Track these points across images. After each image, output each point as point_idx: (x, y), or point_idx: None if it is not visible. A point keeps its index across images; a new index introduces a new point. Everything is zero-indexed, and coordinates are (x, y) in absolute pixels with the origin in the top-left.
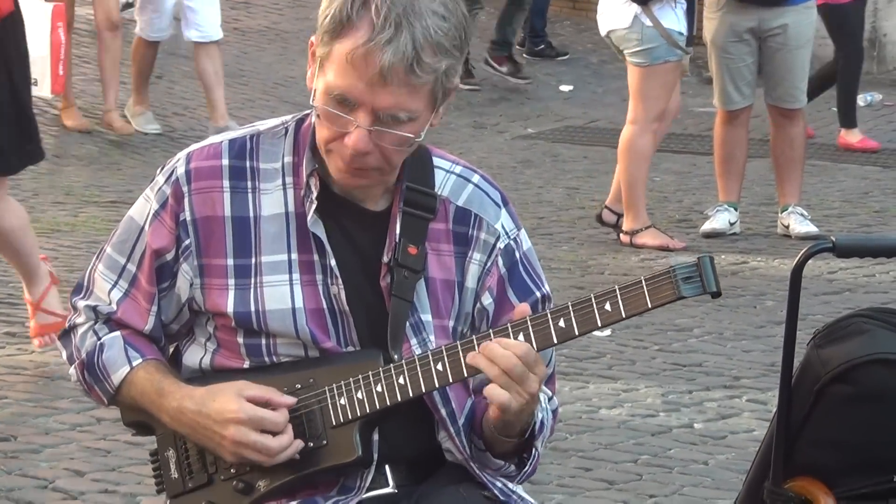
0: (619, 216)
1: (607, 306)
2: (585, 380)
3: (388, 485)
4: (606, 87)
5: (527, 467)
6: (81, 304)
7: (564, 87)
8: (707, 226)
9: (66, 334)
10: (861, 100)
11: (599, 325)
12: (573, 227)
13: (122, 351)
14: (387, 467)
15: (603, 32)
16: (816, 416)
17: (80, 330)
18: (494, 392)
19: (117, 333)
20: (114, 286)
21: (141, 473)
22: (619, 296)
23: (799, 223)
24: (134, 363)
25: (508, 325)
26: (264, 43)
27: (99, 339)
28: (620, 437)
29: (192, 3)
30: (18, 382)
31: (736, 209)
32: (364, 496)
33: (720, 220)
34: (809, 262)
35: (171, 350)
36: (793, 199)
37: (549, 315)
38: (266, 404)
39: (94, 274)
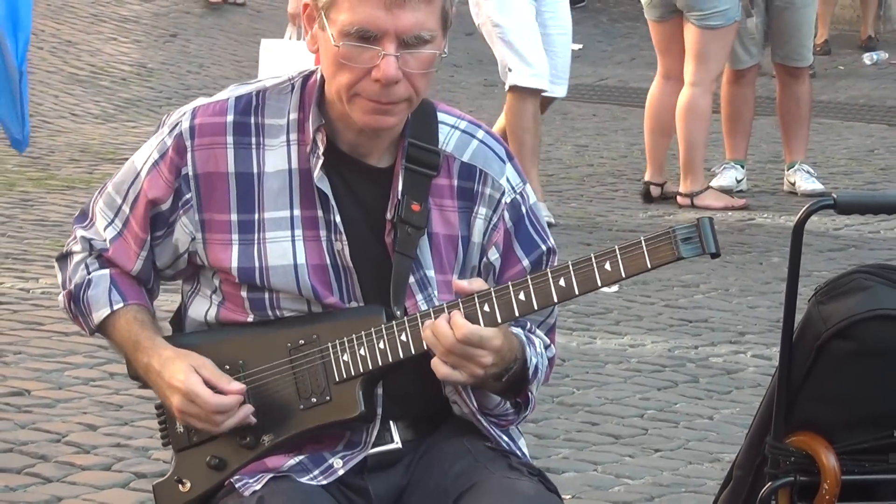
0: (661, 185)
1: (607, 266)
2: (592, 335)
3: (393, 441)
4: (616, 46)
5: (526, 411)
6: (80, 233)
7: (574, 46)
8: (714, 183)
9: (63, 258)
10: (867, 58)
11: (599, 284)
12: (582, 185)
13: (107, 292)
14: (391, 423)
15: None
16: (817, 371)
17: (75, 259)
18: (435, 366)
19: (106, 272)
20: (109, 224)
21: (152, 427)
22: (619, 256)
23: (805, 180)
24: (115, 307)
25: (509, 284)
26: None
27: (88, 273)
28: (627, 391)
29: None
30: (33, 338)
31: (743, 167)
32: (370, 451)
33: (727, 177)
34: (815, 218)
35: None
36: (799, 157)
37: (549, 274)
38: (213, 387)
39: (95, 207)
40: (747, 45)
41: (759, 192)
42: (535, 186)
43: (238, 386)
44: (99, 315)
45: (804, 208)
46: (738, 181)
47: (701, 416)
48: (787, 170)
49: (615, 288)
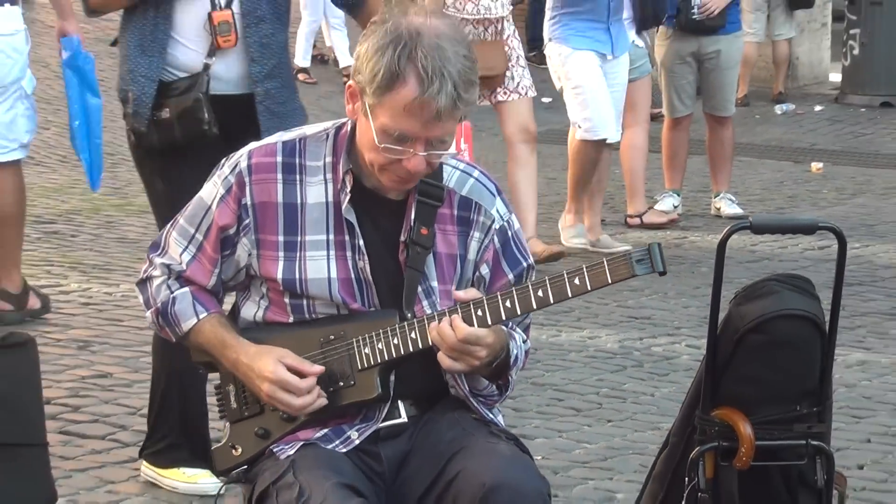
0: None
1: (576, 280)
2: (559, 329)
3: (401, 416)
4: None
5: (507, 391)
6: (158, 260)
7: (545, 99)
8: (656, 208)
9: (142, 282)
10: (778, 109)
11: (570, 295)
12: (550, 210)
13: (191, 305)
14: (400, 402)
15: None
16: (736, 359)
17: (156, 282)
18: (440, 359)
19: (187, 289)
20: (184, 250)
21: (210, 403)
22: (585, 272)
23: (728, 206)
24: (200, 316)
25: (498, 294)
26: None
27: (172, 292)
28: (586, 374)
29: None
30: (115, 332)
31: (679, 195)
32: (381, 425)
33: (666, 203)
34: (735, 237)
35: (231, 306)
36: (724, 187)
37: (530, 286)
38: (298, 372)
39: (168, 238)
40: (683, 99)
41: (691, 216)
42: (595, 221)
43: (319, 368)
44: (187, 325)
45: (727, 229)
46: (675, 206)
47: (644, 394)
48: (714, 198)
49: None
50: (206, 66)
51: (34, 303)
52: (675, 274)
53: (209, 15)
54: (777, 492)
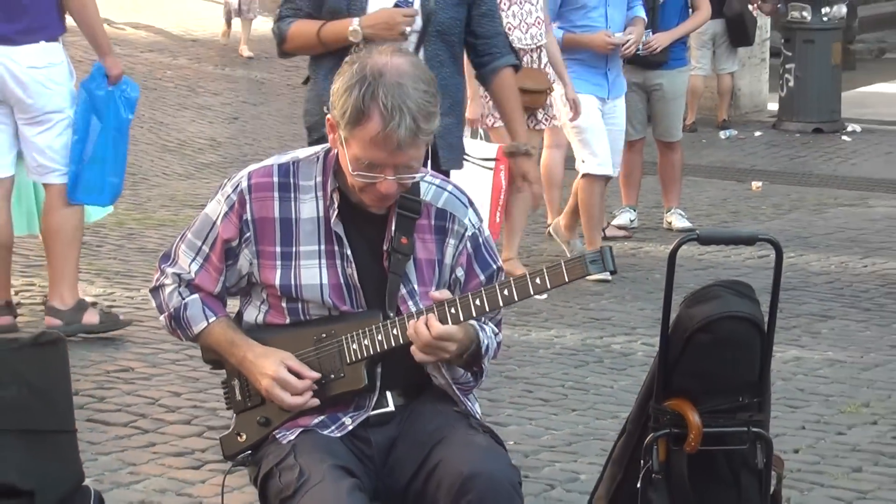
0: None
1: (537, 280)
2: (529, 329)
3: (388, 405)
4: None
5: (481, 378)
6: (169, 270)
7: None
8: (614, 222)
9: (155, 290)
10: (722, 134)
11: (532, 293)
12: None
13: (201, 310)
14: (388, 392)
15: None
16: (686, 355)
17: (168, 289)
18: (413, 352)
19: (196, 296)
20: (193, 260)
21: (220, 394)
22: (545, 273)
23: (678, 220)
24: (210, 320)
25: (469, 294)
26: None
27: (183, 299)
28: (553, 368)
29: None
30: (136, 331)
31: (634, 210)
32: (371, 413)
33: (623, 217)
34: (684, 247)
35: (237, 310)
36: (674, 204)
37: (497, 286)
38: (297, 374)
39: (178, 250)
40: (634, 125)
41: (645, 228)
42: (597, 241)
43: (316, 374)
44: (199, 328)
45: (677, 240)
46: (632, 220)
47: (605, 386)
48: (666, 213)
49: (545, 296)
50: None
51: (90, 318)
52: (631, 280)
53: None
54: (722, 473)
